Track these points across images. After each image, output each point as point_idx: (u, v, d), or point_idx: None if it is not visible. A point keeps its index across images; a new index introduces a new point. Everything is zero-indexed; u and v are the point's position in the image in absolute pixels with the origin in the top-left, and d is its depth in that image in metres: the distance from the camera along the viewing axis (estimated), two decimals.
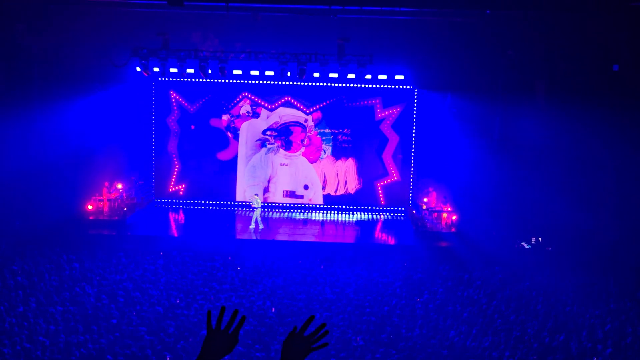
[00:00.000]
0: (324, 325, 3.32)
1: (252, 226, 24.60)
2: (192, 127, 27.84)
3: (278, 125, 27.95)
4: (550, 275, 19.88)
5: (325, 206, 28.27)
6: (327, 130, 27.92)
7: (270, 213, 27.67)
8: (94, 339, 14.03)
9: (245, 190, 28.21)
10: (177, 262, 20.19)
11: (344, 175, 28.27)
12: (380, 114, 27.65)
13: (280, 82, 26.80)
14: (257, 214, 24.61)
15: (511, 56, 22.29)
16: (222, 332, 3.31)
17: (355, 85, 26.73)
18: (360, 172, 28.22)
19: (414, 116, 27.42)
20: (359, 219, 27.60)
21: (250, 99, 27.74)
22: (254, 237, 24.11)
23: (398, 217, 27.83)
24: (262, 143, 28.11)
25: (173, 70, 23.08)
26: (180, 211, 28.01)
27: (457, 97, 25.11)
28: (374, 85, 26.94)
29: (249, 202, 25.81)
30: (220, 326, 3.32)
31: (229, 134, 27.98)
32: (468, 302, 17.47)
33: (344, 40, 21.37)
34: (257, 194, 25.46)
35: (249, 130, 28.06)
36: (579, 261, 20.91)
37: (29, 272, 18.34)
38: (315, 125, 27.91)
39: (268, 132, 28.04)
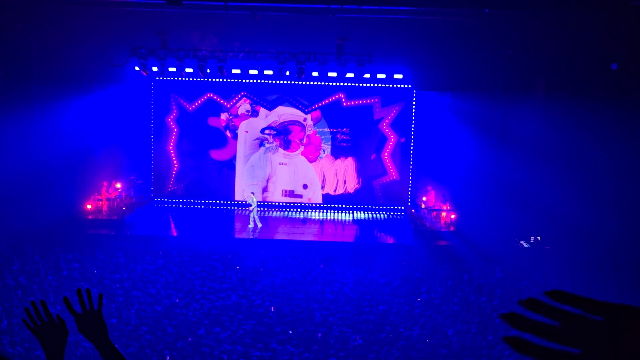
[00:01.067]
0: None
1: (251, 225, 24.62)
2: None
3: (277, 124, 27.97)
4: (549, 274, 19.90)
5: (324, 205, 28.29)
6: (326, 130, 27.94)
7: (269, 212, 27.68)
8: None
9: (244, 189, 28.23)
10: (176, 261, 20.21)
11: (343, 174, 28.28)
12: (379, 113, 27.67)
13: (279, 82, 26.81)
14: (254, 212, 24.63)
15: (510, 55, 22.29)
16: (47, 324, 3.36)
17: (354, 84, 26.74)
18: (360, 172, 28.24)
19: (413, 115, 27.45)
20: (358, 218, 27.62)
21: (249, 98, 27.76)
22: (252, 237, 24.11)
23: (397, 216, 27.85)
24: (261, 142, 28.12)
25: (172, 69, 23.09)
26: (180, 210, 28.00)
27: (456, 96, 25.15)
28: (373, 85, 26.97)
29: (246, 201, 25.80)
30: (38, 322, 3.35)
31: (228, 133, 28.00)
32: (467, 301, 17.49)
33: (343, 40, 21.38)
34: (253, 193, 25.49)
35: (248, 130, 28.07)
36: (578, 260, 20.93)
37: (28, 272, 18.35)
38: (314, 125, 27.92)
39: (267, 131, 28.04)
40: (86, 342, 13.75)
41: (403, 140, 27.70)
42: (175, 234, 25.49)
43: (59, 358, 3.30)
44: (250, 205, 24.90)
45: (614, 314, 1.32)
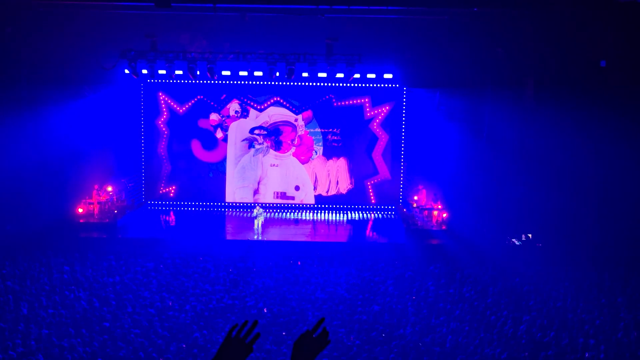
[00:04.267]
0: (322, 320, 3.43)
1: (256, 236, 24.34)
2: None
3: (268, 124, 27.94)
4: (541, 271, 19.95)
5: (316, 206, 28.27)
6: (317, 130, 27.94)
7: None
8: (86, 342, 14.00)
9: (235, 191, 28.20)
10: (169, 264, 20.16)
11: (335, 175, 28.27)
12: (369, 112, 27.70)
13: (269, 83, 26.79)
14: (258, 222, 24.34)
15: (499, 53, 22.35)
16: (240, 340, 3.37)
17: (344, 84, 26.75)
18: (352, 172, 28.25)
19: (403, 114, 27.50)
20: (350, 218, 27.64)
21: (239, 99, 27.74)
22: (244, 238, 24.06)
23: (389, 216, 27.88)
24: (250, 143, 28.06)
25: (162, 72, 23.05)
26: (171, 213, 27.96)
27: (446, 94, 25.21)
28: (363, 85, 27.00)
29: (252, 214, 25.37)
30: (240, 334, 3.38)
31: (218, 135, 27.96)
32: (460, 299, 17.52)
33: (332, 40, 21.39)
34: (259, 207, 25.12)
35: (238, 131, 28.04)
36: (569, 257, 21.02)
37: (20, 276, 18.27)
38: (306, 125, 27.92)
39: (256, 131, 28.00)
40: (81, 346, 13.70)
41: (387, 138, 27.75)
42: (167, 236, 25.42)
43: None
44: (256, 216, 24.58)
45: None
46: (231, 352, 3.37)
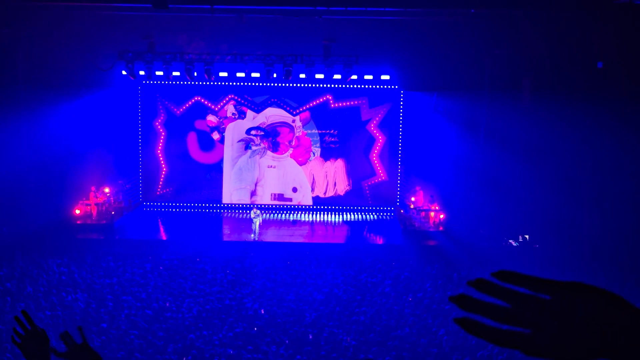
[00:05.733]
0: None
1: (254, 236, 24.28)
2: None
3: (265, 125, 27.95)
4: (538, 273, 19.86)
5: (314, 207, 28.27)
6: (314, 131, 27.95)
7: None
8: None
9: (232, 193, 28.20)
10: (166, 265, 20.18)
11: (333, 176, 28.28)
12: (367, 114, 27.72)
13: (266, 84, 26.81)
14: (256, 225, 24.29)
15: (496, 54, 22.38)
16: (30, 332, 3.39)
17: (341, 85, 26.76)
18: (349, 173, 28.27)
19: (401, 116, 27.53)
20: (347, 219, 27.66)
21: (236, 100, 27.75)
22: (241, 240, 24.07)
23: (386, 217, 27.89)
24: (247, 144, 28.05)
25: (159, 73, 23.07)
26: (169, 214, 27.95)
27: (444, 96, 25.22)
28: (360, 86, 27.01)
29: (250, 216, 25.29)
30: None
31: (215, 136, 27.96)
32: None
33: (329, 41, 21.42)
34: (257, 210, 25.01)
35: (235, 132, 28.05)
36: (566, 258, 21.05)
37: (17, 278, 18.27)
38: (303, 126, 27.93)
39: (253, 132, 28.00)
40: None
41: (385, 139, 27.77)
42: (164, 237, 25.43)
43: None
44: (253, 218, 24.51)
45: (560, 292, 1.34)
46: (30, 350, 3.34)
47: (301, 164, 28.22)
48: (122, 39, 21.68)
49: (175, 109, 27.80)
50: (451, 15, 21.08)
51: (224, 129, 27.94)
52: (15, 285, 17.59)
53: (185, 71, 22.24)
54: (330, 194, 28.36)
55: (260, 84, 27.11)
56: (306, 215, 28.14)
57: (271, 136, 28.02)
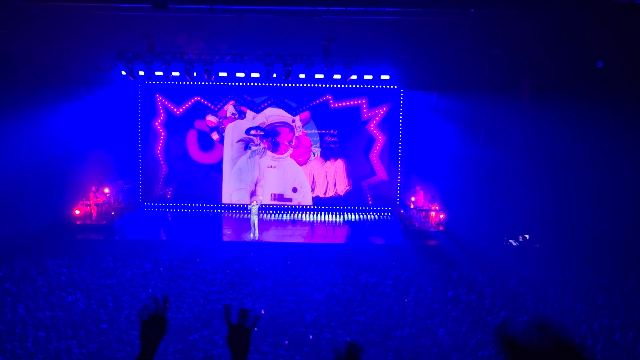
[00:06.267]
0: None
1: (253, 234, 24.18)
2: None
3: (265, 125, 27.93)
4: (538, 272, 19.97)
5: (314, 207, 28.26)
6: (314, 131, 27.94)
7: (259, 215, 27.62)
8: (83, 344, 13.99)
9: (232, 193, 28.19)
10: (166, 265, 20.17)
11: (333, 176, 28.26)
12: (367, 114, 27.71)
13: (266, 84, 26.81)
14: (255, 220, 24.16)
15: (496, 54, 22.37)
16: (154, 317, 3.79)
17: (341, 85, 26.75)
18: (349, 173, 28.26)
19: (401, 115, 27.53)
20: (347, 219, 27.65)
21: (236, 100, 27.74)
22: (241, 240, 24.05)
23: (386, 217, 27.88)
24: (246, 144, 28.03)
25: (159, 73, 23.05)
26: (168, 214, 27.94)
27: (443, 96, 25.23)
28: (360, 86, 27.00)
29: (248, 207, 25.18)
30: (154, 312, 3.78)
31: (215, 136, 27.95)
32: (457, 300, 17.53)
33: (329, 41, 21.41)
34: (256, 202, 24.85)
35: (235, 132, 28.03)
36: (566, 258, 21.05)
37: (17, 279, 18.26)
38: (303, 126, 27.91)
39: (252, 132, 27.98)
40: (77, 348, 13.69)
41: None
42: (164, 237, 25.42)
43: (151, 353, 3.74)
44: (251, 210, 24.36)
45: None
46: (149, 332, 3.73)
47: (301, 164, 28.21)
48: (122, 39, 21.67)
49: (175, 109, 27.79)
50: (451, 15, 21.08)
51: (223, 129, 27.93)
52: (15, 286, 17.58)
53: (185, 71, 22.23)
54: (330, 194, 28.36)
55: (260, 84, 27.09)
56: (306, 215, 28.12)
57: (271, 136, 28.01)
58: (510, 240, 23.50)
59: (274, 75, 22.57)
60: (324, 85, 26.92)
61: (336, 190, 28.33)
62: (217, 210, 28.27)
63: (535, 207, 22.97)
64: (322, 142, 28.03)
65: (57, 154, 23.31)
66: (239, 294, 17.84)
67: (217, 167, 28.22)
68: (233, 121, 27.92)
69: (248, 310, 3.54)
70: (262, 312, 16.56)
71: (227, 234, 26.09)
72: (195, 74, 22.59)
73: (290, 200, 28.35)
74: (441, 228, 24.01)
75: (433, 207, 24.88)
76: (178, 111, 27.80)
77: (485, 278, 19.54)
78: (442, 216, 24.45)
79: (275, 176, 28.27)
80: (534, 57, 22.04)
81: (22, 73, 22.74)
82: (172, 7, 18.30)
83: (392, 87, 26.84)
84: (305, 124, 27.94)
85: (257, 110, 27.85)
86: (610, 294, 18.17)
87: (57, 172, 23.40)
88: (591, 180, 22.78)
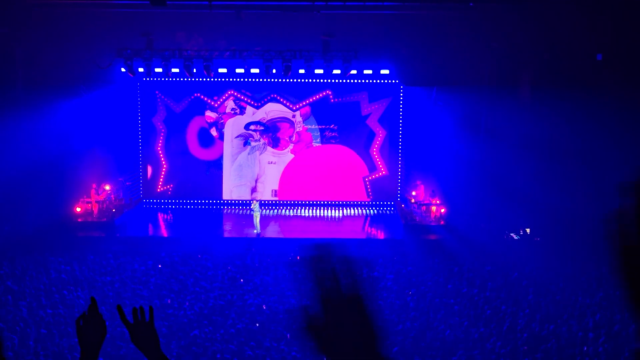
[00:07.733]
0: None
1: (256, 231, 24.26)
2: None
3: (265, 120, 27.90)
4: (539, 266, 19.96)
5: (314, 202, 28.23)
6: (314, 126, 27.91)
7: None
8: None
9: (232, 190, 28.17)
10: (167, 262, 20.17)
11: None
12: (366, 108, 27.68)
13: (266, 80, 26.79)
14: (257, 218, 24.21)
15: (495, 48, 22.32)
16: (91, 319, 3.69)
17: (341, 80, 26.71)
18: (350, 168, 28.23)
19: (401, 110, 27.50)
20: (348, 214, 27.64)
21: (236, 96, 27.71)
22: (242, 236, 24.06)
23: (387, 212, 27.86)
24: (246, 140, 27.99)
25: (158, 70, 23.05)
26: (169, 211, 27.95)
27: (443, 90, 25.16)
28: (360, 81, 26.96)
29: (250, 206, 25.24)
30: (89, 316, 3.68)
31: (214, 133, 27.93)
32: (458, 294, 17.53)
33: (328, 36, 21.38)
34: (257, 200, 24.94)
35: (235, 128, 28.01)
36: (567, 251, 21.02)
37: (18, 276, 18.27)
38: (304, 121, 27.89)
39: (252, 127, 27.94)
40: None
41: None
42: (165, 234, 25.43)
43: (93, 357, 3.58)
44: (253, 209, 24.42)
45: None
46: (87, 336, 3.65)
47: (302, 159, 28.19)
48: (121, 36, 21.65)
49: (174, 106, 27.77)
50: (450, 9, 21.02)
51: (222, 125, 27.90)
52: (16, 284, 17.59)
53: (184, 68, 22.22)
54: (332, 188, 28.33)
55: (260, 80, 27.05)
56: (306, 210, 28.11)
57: (271, 132, 27.98)
58: (511, 234, 23.48)
59: (274, 71, 22.55)
60: (323, 81, 26.87)
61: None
62: (218, 207, 28.23)
63: (536, 200, 22.92)
64: (322, 137, 28.00)
65: (57, 151, 23.28)
66: (240, 289, 17.84)
67: (218, 164, 28.19)
68: (233, 117, 27.88)
69: (141, 308, 3.49)
70: (264, 307, 16.56)
71: (228, 230, 26.08)
72: (194, 70, 22.58)
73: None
74: (442, 222, 24.00)
75: (434, 202, 24.87)
76: (178, 108, 27.78)
77: (486, 272, 19.54)
78: (443, 210, 24.44)
79: (275, 172, 28.20)
80: (533, 51, 21.98)
81: (21, 71, 22.70)
82: (170, 4, 18.30)
83: (392, 81, 26.81)
84: (305, 119, 27.91)
85: (257, 106, 27.81)
86: (611, 287, 18.15)
87: (58, 170, 23.37)
88: (592, 173, 22.73)
